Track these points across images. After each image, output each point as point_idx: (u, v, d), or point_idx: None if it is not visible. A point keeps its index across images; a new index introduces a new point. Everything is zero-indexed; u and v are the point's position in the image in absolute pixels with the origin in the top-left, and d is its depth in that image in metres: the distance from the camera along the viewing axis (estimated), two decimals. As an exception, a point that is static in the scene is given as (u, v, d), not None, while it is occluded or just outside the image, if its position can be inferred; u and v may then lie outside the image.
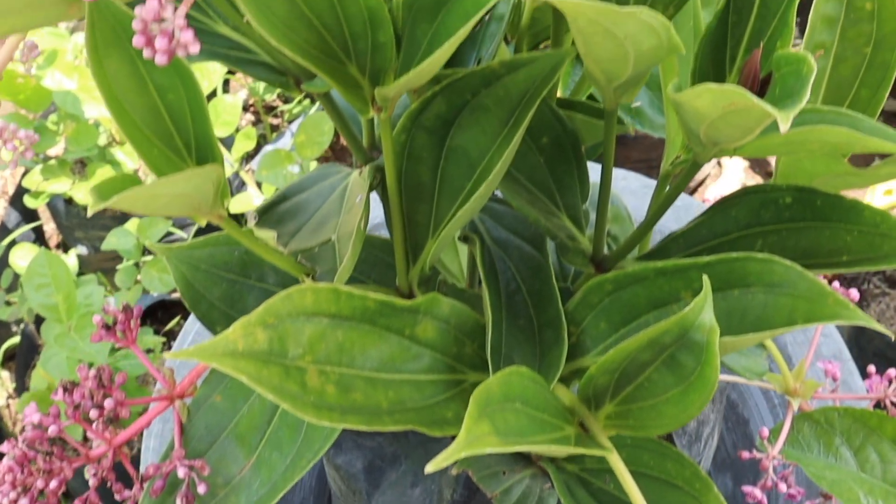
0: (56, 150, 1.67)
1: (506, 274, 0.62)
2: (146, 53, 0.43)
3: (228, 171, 1.59)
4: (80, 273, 1.77)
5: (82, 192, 1.60)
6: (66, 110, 1.60)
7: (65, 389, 0.52)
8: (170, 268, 0.64)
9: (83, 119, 1.61)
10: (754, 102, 0.42)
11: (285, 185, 0.69)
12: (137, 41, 0.43)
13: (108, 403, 0.52)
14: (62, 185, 1.58)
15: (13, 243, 1.63)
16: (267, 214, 0.65)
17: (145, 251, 1.53)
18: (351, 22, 0.49)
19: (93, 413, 0.52)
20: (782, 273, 0.51)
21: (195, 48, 0.43)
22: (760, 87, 0.51)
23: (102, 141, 1.68)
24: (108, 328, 0.57)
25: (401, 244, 0.58)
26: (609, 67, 0.49)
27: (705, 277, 0.48)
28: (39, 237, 1.84)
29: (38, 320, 1.53)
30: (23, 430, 0.51)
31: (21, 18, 0.47)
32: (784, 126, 0.39)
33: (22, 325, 1.65)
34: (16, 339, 1.65)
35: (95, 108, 1.62)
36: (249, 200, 1.51)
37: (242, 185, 1.71)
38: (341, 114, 0.58)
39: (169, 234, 1.58)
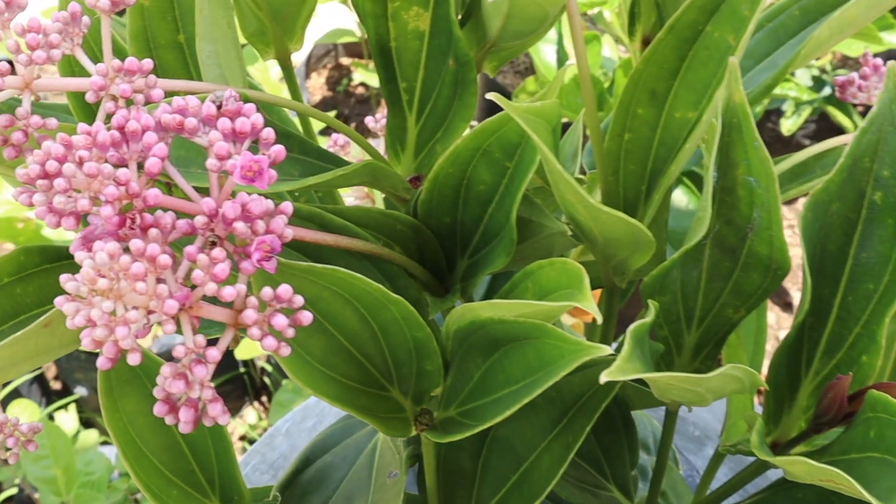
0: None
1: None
2: (168, 420, 0.39)
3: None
4: (80, 411, 1.71)
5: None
6: (67, 257, 1.55)
7: None
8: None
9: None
10: (856, 488, 0.37)
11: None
12: (159, 409, 0.38)
13: None
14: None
15: (13, 394, 1.57)
16: (290, 489, 0.60)
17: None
18: (395, 351, 0.44)
19: None
20: None
21: (225, 419, 0.39)
22: (846, 416, 0.46)
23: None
24: None
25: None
26: (687, 399, 0.45)
27: None
28: (39, 378, 1.78)
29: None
30: None
31: (31, 364, 0.42)
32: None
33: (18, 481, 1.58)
34: (13, 491, 1.58)
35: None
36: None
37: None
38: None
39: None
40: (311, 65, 2.44)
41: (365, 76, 2.04)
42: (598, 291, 0.59)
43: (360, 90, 2.31)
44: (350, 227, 0.48)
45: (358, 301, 0.42)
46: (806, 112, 1.84)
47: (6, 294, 0.43)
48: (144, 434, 0.44)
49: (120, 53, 0.51)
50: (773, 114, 2.14)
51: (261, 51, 0.55)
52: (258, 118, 0.39)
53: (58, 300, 0.35)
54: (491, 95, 0.39)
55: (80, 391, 1.75)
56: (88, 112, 0.51)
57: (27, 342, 0.40)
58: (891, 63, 0.48)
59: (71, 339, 0.41)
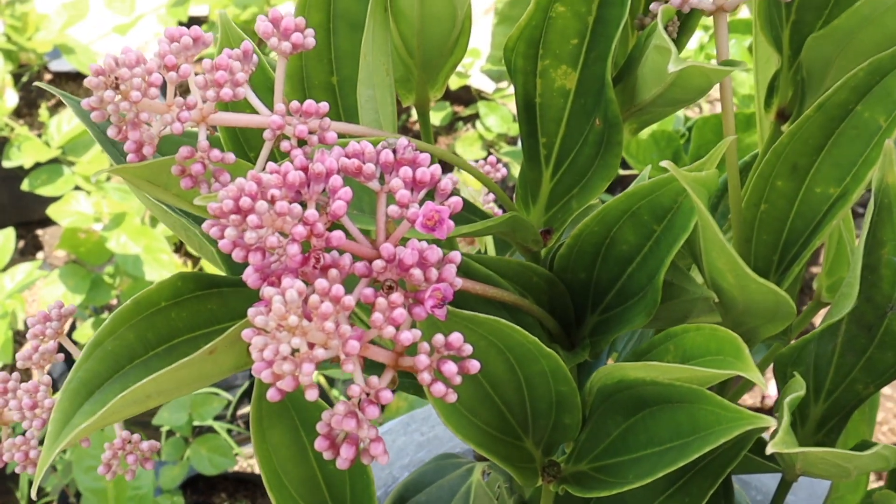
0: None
1: None
2: (327, 455, 0.39)
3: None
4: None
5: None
6: (127, 270, 1.57)
7: None
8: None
9: (143, 279, 1.58)
10: None
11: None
12: (320, 444, 0.39)
13: None
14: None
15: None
16: (388, 527, 0.60)
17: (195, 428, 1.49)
18: (536, 402, 0.45)
19: None
20: None
21: (385, 459, 0.39)
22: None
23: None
24: None
25: None
26: (830, 473, 0.45)
27: None
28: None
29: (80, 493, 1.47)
30: None
31: (191, 388, 0.43)
32: None
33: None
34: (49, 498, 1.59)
35: (156, 272, 1.59)
36: None
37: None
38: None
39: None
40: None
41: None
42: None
43: (417, 126, 2.33)
44: (493, 277, 0.49)
45: (511, 352, 0.43)
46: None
47: (163, 317, 0.45)
48: (286, 465, 0.45)
49: (268, 90, 0.52)
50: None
51: (403, 96, 0.56)
52: (437, 168, 0.40)
53: (246, 333, 0.36)
54: (665, 164, 0.40)
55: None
56: (238, 147, 0.52)
57: (192, 368, 0.41)
58: None
59: (230, 366, 0.42)
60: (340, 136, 0.46)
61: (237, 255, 0.38)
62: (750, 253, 0.52)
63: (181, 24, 1.88)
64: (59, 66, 2.28)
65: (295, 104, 0.43)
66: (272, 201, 0.38)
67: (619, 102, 0.52)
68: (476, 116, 2.15)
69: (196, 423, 1.51)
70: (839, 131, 0.49)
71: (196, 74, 0.44)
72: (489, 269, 0.49)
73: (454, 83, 2.00)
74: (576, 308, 0.53)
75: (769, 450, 0.36)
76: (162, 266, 1.58)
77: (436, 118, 2.03)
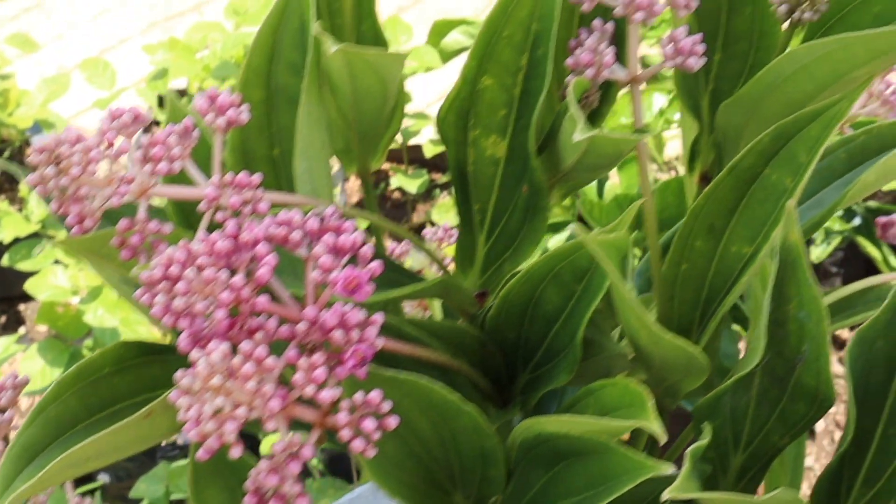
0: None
1: None
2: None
3: None
4: (104, 499, 1.73)
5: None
6: (105, 343, 1.59)
7: None
8: None
9: (122, 350, 1.59)
10: None
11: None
12: (250, 501, 0.41)
13: None
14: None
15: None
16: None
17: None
18: (462, 457, 0.47)
19: None
20: None
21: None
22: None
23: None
24: None
25: None
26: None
27: None
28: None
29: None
30: None
31: (128, 451, 0.45)
32: None
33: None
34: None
35: (135, 341, 1.60)
36: None
37: None
38: None
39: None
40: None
41: (402, 182, 2.09)
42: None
43: (397, 195, 2.36)
44: (422, 339, 0.51)
45: (433, 409, 0.46)
46: (836, 241, 1.88)
47: (106, 384, 0.47)
48: (223, 522, 0.47)
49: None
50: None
51: (346, 165, 0.59)
52: (358, 235, 0.43)
53: (172, 395, 0.38)
54: (573, 227, 0.43)
55: (104, 478, 1.76)
56: (183, 217, 0.55)
57: (129, 431, 0.43)
58: (935, 213, 0.52)
59: (166, 429, 0.45)
60: (278, 206, 0.49)
61: (167, 322, 0.40)
62: (673, 311, 0.55)
63: (161, 97, 1.91)
64: (41, 140, 2.31)
65: (229, 177, 0.46)
66: (200, 269, 0.40)
67: (545, 169, 0.55)
68: (452, 183, 2.18)
69: (174, 496, 1.52)
70: (750, 193, 0.52)
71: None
72: (422, 331, 0.51)
73: (430, 151, 2.04)
74: (508, 366, 0.55)
75: (665, 495, 0.38)
76: (140, 338, 1.60)
77: (413, 185, 2.06)
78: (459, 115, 0.54)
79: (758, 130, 0.52)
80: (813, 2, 0.50)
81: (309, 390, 0.40)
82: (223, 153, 0.56)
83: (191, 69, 1.92)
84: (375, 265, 0.42)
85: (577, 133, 0.43)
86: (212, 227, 0.46)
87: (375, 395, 0.41)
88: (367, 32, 0.57)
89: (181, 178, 0.54)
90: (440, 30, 1.76)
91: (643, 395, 0.43)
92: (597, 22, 0.50)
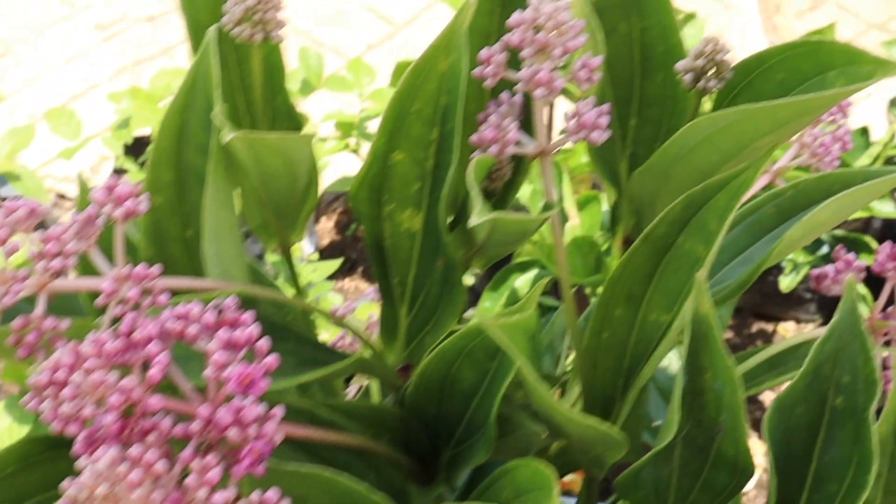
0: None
1: None
2: None
3: None
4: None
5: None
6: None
7: None
8: None
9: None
10: None
11: None
12: None
13: None
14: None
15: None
16: None
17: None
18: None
19: None
20: None
21: None
22: None
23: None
24: None
25: None
26: None
27: None
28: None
29: None
30: None
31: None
32: None
33: None
34: None
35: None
36: None
37: None
38: None
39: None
40: (321, 209, 2.50)
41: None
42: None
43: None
44: (337, 422, 0.50)
45: (341, 498, 0.45)
46: (804, 270, 1.88)
47: (8, 484, 0.46)
48: None
49: (131, 246, 0.55)
50: (775, 269, 2.17)
51: (265, 241, 0.59)
52: (254, 329, 0.42)
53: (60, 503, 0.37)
54: (473, 314, 0.42)
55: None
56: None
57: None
58: (849, 277, 0.51)
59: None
60: (189, 291, 0.48)
61: (56, 428, 0.40)
62: (596, 379, 0.54)
63: (127, 146, 1.91)
64: (6, 192, 2.30)
65: (126, 269, 0.45)
66: (88, 372, 0.40)
67: (461, 243, 0.54)
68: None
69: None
70: (665, 261, 0.52)
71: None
72: (337, 413, 0.51)
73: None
74: (432, 442, 0.54)
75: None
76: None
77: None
78: (372, 190, 0.53)
79: (670, 198, 0.51)
80: (717, 71, 0.50)
81: (201, 494, 0.39)
82: (137, 236, 0.56)
83: (153, 118, 1.91)
84: (271, 360, 0.41)
85: (473, 217, 0.42)
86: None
87: (272, 493, 0.40)
88: (281, 107, 0.57)
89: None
90: (403, 71, 1.75)
91: (550, 479, 0.43)
92: (504, 95, 0.50)
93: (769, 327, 2.12)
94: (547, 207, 0.48)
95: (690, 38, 1.73)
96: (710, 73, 0.51)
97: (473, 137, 0.48)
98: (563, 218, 1.46)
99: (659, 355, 0.52)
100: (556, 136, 0.49)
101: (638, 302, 0.53)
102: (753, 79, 0.51)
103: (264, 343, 0.42)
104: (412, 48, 2.61)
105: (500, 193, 0.54)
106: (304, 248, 1.93)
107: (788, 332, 2.12)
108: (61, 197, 2.39)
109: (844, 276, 0.66)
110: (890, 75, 0.45)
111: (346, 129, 1.86)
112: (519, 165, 0.55)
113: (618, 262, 0.59)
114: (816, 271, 0.68)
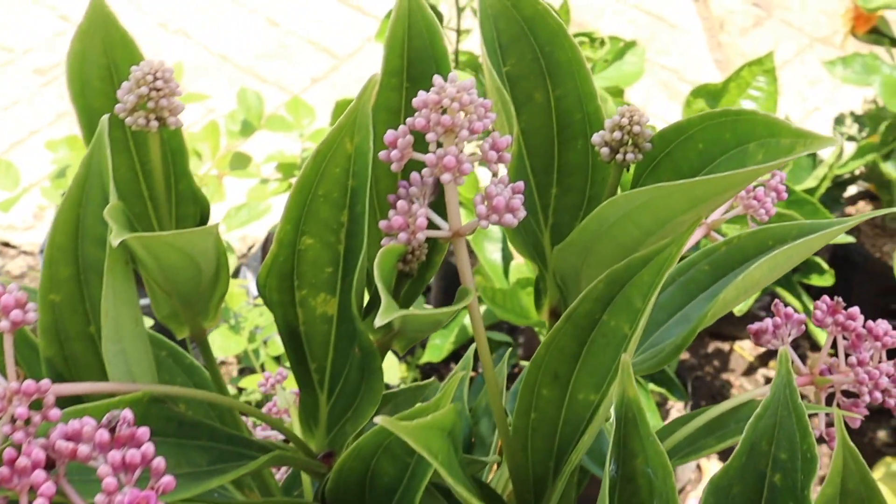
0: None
1: None
2: None
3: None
4: None
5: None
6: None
7: None
8: None
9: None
10: None
11: None
12: None
13: None
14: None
15: None
16: None
17: None
18: None
19: None
20: None
21: None
22: None
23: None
24: None
25: None
26: None
27: None
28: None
29: None
30: None
31: None
32: None
33: None
34: None
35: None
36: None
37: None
38: None
39: None
40: (267, 248, 2.47)
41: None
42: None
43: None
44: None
45: None
46: (756, 293, 1.86)
47: None
48: None
49: (31, 348, 0.52)
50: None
51: (175, 329, 0.56)
52: (149, 448, 0.39)
53: None
54: (380, 419, 0.40)
55: None
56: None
57: None
58: (782, 349, 0.50)
59: None
60: (88, 397, 0.46)
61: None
62: (527, 461, 0.52)
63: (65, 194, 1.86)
64: None
65: (14, 385, 0.42)
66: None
67: (378, 328, 0.52)
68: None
69: None
70: (590, 340, 0.49)
71: None
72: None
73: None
74: (358, 536, 0.52)
75: None
76: None
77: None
78: (282, 277, 0.51)
79: (594, 273, 0.50)
80: (635, 142, 0.48)
81: None
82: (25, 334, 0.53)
83: (91, 167, 1.86)
84: (167, 481, 0.39)
85: (378, 318, 0.40)
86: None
87: None
88: (185, 192, 0.54)
89: None
90: (343, 110, 1.73)
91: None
92: (414, 176, 0.48)
93: (725, 346, 2.12)
94: (462, 295, 0.46)
95: (631, 65, 1.72)
96: (627, 144, 0.49)
97: (382, 224, 0.46)
98: (508, 255, 1.44)
99: (590, 436, 0.49)
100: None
101: (565, 382, 0.50)
102: (673, 149, 0.49)
103: (160, 462, 0.39)
104: (356, 81, 2.59)
105: (416, 274, 0.52)
106: (249, 290, 1.90)
107: (745, 350, 2.11)
108: (5, 245, 2.34)
109: (784, 331, 0.65)
110: (810, 149, 0.44)
111: (288, 169, 1.83)
112: (435, 244, 0.52)
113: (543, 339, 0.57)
114: (755, 326, 0.66)
